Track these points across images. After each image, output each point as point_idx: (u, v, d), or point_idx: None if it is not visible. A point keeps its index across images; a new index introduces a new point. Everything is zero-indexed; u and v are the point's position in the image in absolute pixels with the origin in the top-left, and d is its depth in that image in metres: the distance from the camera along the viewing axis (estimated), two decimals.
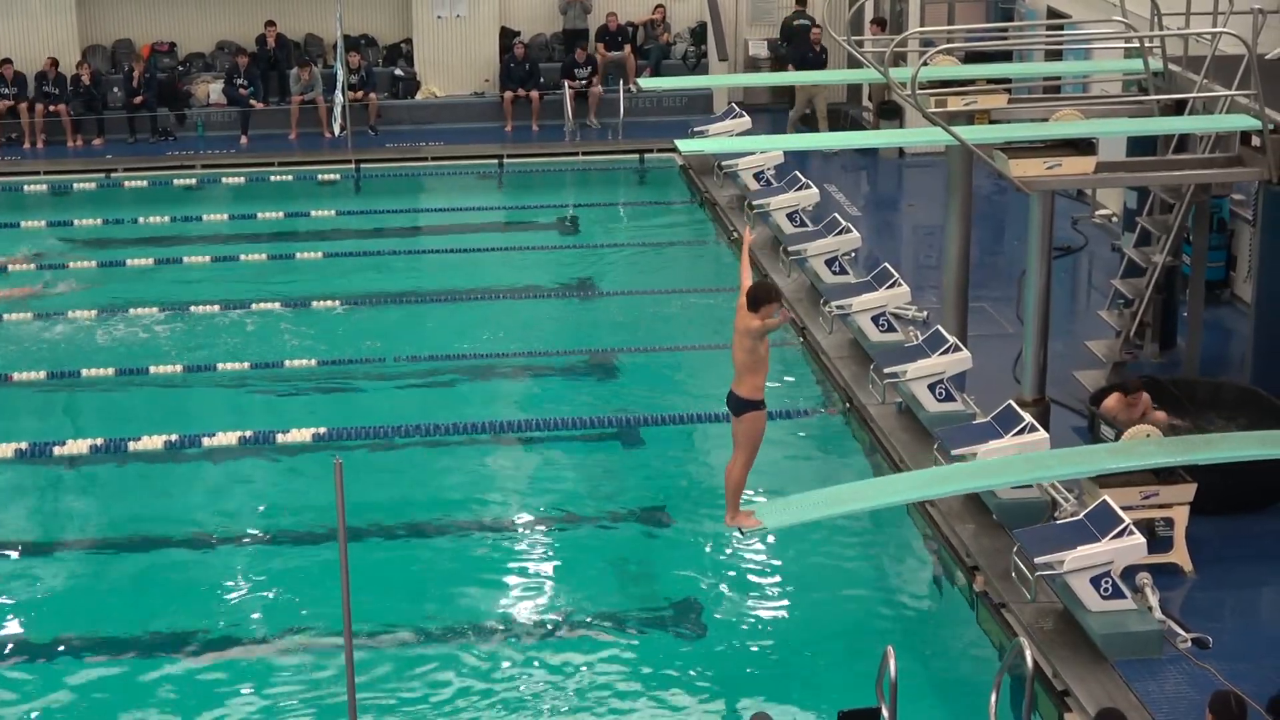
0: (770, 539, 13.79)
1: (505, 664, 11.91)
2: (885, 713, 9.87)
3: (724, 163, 22.32)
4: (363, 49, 26.97)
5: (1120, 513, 11.17)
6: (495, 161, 25.37)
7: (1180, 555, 12.18)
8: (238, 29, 27.35)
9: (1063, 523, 11.70)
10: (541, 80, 26.71)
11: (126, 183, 24.57)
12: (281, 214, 22.99)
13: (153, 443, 15.31)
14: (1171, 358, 16.28)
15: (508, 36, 27.45)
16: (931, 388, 14.44)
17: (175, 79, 26.73)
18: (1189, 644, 11.18)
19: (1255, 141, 14.08)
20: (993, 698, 10.11)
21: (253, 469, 15.22)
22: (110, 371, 17.19)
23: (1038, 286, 14.06)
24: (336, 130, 25.31)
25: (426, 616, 12.57)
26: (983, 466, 12.33)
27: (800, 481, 14.52)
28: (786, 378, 16.94)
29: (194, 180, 24.76)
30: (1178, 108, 15.25)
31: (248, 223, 22.78)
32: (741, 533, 11.77)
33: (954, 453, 12.72)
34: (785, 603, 12.89)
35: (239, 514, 14.43)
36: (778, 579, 13.30)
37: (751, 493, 12.70)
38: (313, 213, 23.11)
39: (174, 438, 15.39)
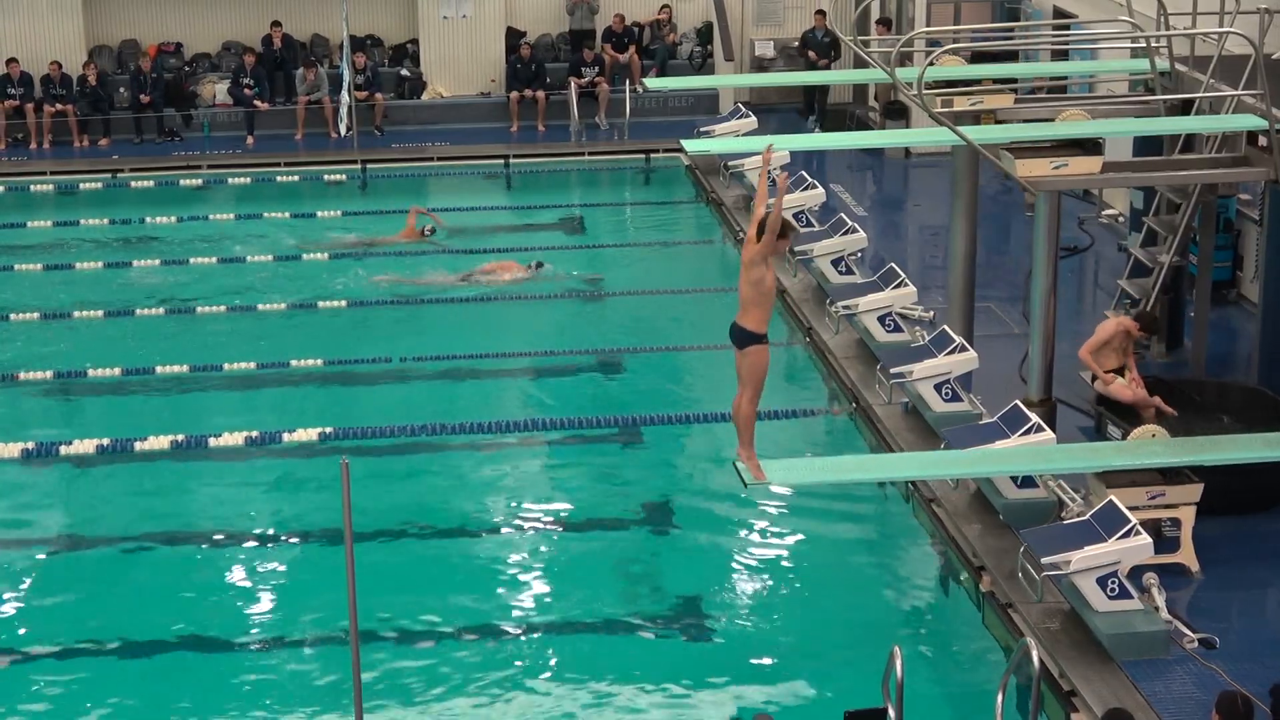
0: (774, 537, 13.82)
1: (510, 663, 11.91)
2: (892, 713, 9.88)
3: (730, 163, 22.33)
4: (368, 49, 26.97)
5: (1127, 513, 11.17)
6: (501, 162, 25.39)
7: (1187, 555, 12.17)
8: (243, 29, 27.37)
9: (1069, 523, 11.70)
10: (548, 80, 26.72)
11: (133, 183, 24.61)
12: (288, 214, 23.01)
13: (159, 443, 15.32)
14: (1178, 358, 16.27)
15: (514, 37, 27.46)
16: (938, 388, 14.44)
17: (181, 79, 26.75)
18: (1196, 644, 11.17)
19: (1262, 141, 14.06)
20: (999, 698, 10.11)
21: (259, 469, 15.23)
22: (116, 371, 17.21)
23: (1044, 286, 14.06)
24: (342, 131, 25.38)
25: (432, 616, 12.57)
26: (988, 454, 12.34)
27: None
28: (793, 378, 16.95)
29: (200, 181, 24.79)
30: (1184, 108, 15.24)
31: (254, 223, 22.79)
32: (744, 482, 11.62)
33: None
34: (791, 602, 12.88)
35: (245, 514, 14.44)
36: (783, 579, 13.29)
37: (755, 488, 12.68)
38: (319, 213, 23.12)
39: (180, 438, 15.40)
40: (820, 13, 26.65)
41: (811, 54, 26.41)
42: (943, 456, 12.72)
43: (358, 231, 21.83)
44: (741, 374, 11.34)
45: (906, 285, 16.32)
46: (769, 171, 11.66)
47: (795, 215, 19.42)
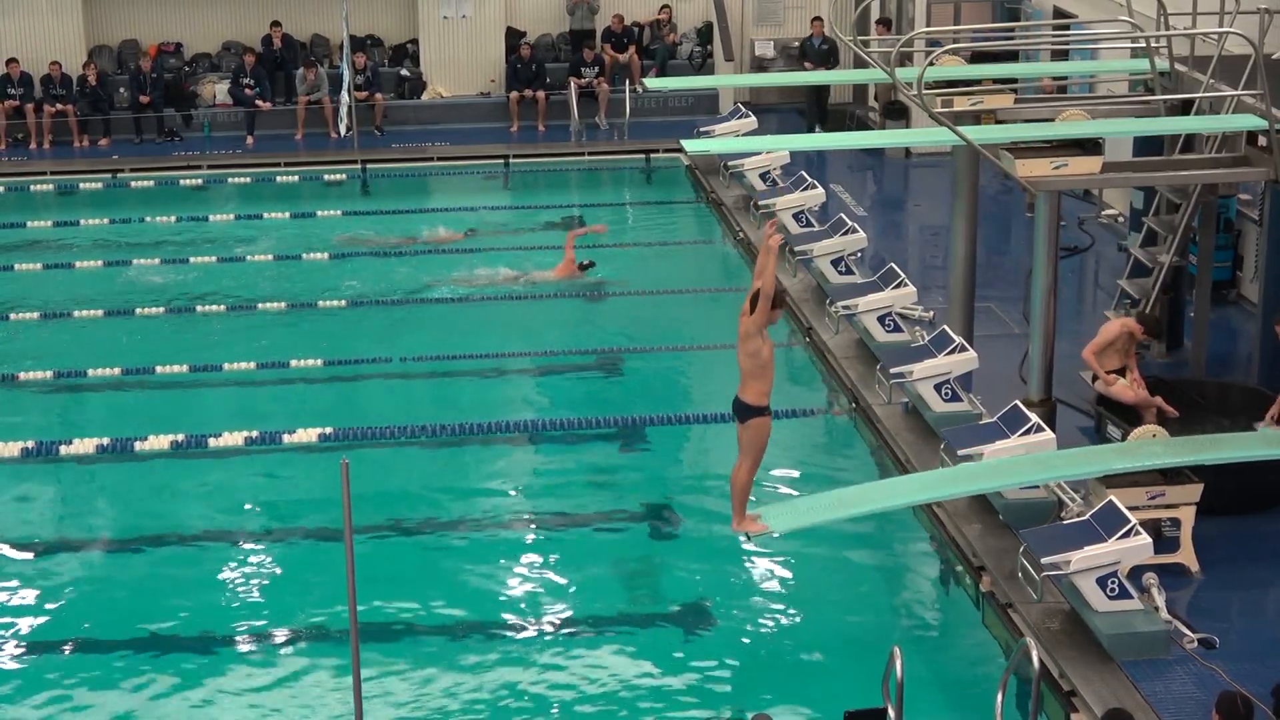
0: (774, 537, 13.79)
1: (510, 663, 11.91)
2: (891, 713, 9.88)
3: (730, 163, 22.32)
4: (369, 49, 26.97)
5: (1127, 513, 11.17)
6: (501, 162, 25.40)
7: (1187, 555, 12.17)
8: (243, 29, 27.38)
9: (1069, 523, 11.70)
10: (548, 80, 26.72)
11: (133, 183, 24.61)
12: (288, 214, 23.01)
13: (159, 443, 15.32)
14: (1178, 358, 16.27)
15: (514, 37, 27.46)
16: (938, 388, 14.44)
17: (181, 79, 26.75)
18: (1195, 644, 11.17)
19: (1261, 141, 14.06)
20: (999, 698, 10.10)
21: (259, 469, 15.23)
22: (116, 371, 17.21)
23: (1044, 286, 14.06)
24: (343, 131, 25.38)
25: (432, 616, 12.58)
26: (989, 467, 12.32)
27: (806, 482, 14.58)
28: (793, 378, 16.94)
29: (200, 181, 24.80)
30: (1184, 108, 15.24)
31: (254, 223, 22.80)
32: (749, 537, 11.76)
33: (960, 453, 12.70)
34: (791, 602, 12.88)
35: (245, 514, 14.44)
36: (783, 578, 13.29)
37: (756, 497, 12.65)
38: (319, 213, 23.12)
39: (180, 438, 15.40)
40: (817, 19, 26.64)
41: (808, 64, 26.38)
42: (944, 475, 12.54)
43: (380, 230, 21.94)
44: (742, 445, 11.44)
45: (906, 285, 16.31)
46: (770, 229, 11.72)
47: (795, 215, 19.45)
